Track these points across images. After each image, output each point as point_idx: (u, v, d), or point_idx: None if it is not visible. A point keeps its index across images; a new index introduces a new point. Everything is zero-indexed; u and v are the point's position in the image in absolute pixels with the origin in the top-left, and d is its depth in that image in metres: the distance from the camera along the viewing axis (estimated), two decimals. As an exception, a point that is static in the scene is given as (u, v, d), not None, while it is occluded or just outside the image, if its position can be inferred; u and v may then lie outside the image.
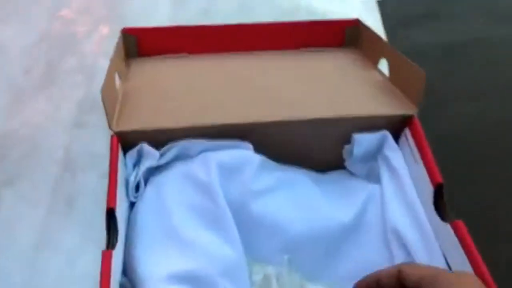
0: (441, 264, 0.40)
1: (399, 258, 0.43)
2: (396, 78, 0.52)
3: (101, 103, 0.42)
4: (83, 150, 0.57)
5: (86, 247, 0.50)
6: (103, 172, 0.55)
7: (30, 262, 0.48)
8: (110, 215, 0.39)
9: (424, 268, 0.33)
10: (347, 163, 0.50)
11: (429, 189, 0.43)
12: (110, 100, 0.46)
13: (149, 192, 0.44)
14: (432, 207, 0.42)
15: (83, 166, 0.56)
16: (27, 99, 0.63)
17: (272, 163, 0.47)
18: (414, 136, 0.46)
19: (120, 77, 0.53)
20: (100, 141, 0.58)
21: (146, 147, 0.44)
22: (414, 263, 0.35)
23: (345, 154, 0.50)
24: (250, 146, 0.46)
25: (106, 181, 0.41)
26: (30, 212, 0.51)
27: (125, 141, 0.45)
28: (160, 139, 0.45)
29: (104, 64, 0.70)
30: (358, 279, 0.43)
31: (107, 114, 0.43)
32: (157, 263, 0.40)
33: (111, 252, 0.36)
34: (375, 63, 0.57)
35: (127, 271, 0.41)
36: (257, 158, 0.46)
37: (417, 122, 0.47)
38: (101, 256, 0.36)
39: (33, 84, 0.66)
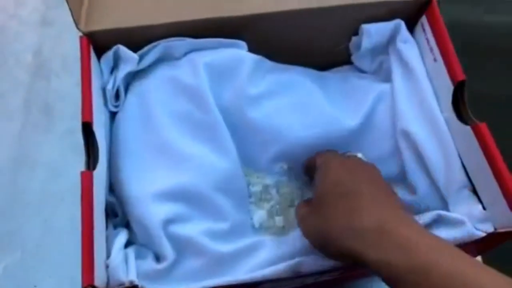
0: (458, 169, 0.37)
1: (409, 163, 0.39)
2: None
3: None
4: (54, 52, 0.51)
5: (70, 158, 0.46)
6: (79, 76, 0.50)
7: (10, 180, 0.44)
8: (87, 130, 0.34)
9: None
10: (354, 57, 0.45)
11: (448, 87, 0.38)
12: (75, -7, 0.38)
13: (130, 101, 0.39)
14: (450, 108, 0.37)
15: (56, 71, 0.50)
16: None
17: (269, 63, 0.41)
18: (432, 25, 0.40)
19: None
20: (72, 41, 0.51)
21: (123, 49, 0.38)
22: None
23: (352, 47, 0.44)
24: (244, 44, 0.40)
25: (81, 88, 0.35)
26: (4, 125, 0.47)
27: (98, 43, 0.39)
28: (138, 39, 0.39)
29: None
30: None
31: (71, 11, 0.37)
32: (144, 179, 0.36)
33: (92, 173, 0.32)
34: None
35: (114, 188, 0.37)
36: (252, 57, 0.40)
37: (436, 8, 0.40)
38: (80, 177, 0.32)
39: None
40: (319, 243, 0.30)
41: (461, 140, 0.37)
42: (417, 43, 0.42)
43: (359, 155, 0.37)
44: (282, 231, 0.39)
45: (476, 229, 0.34)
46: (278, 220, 0.40)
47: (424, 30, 0.41)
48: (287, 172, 0.41)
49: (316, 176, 0.33)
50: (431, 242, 0.27)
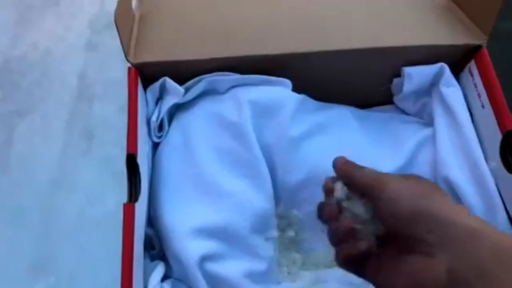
0: (502, 220, 0.36)
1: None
2: (461, -3, 0.44)
3: (114, 21, 0.35)
4: (98, 76, 0.52)
5: (108, 184, 0.46)
6: (122, 101, 0.50)
7: (47, 201, 0.45)
8: (131, 161, 0.34)
9: (370, 173, 0.30)
10: (396, 99, 0.44)
11: (495, 135, 0.37)
12: (126, 24, 0.39)
13: (174, 134, 0.39)
14: (498, 156, 0.36)
15: (99, 95, 0.51)
16: (34, 17, 0.57)
17: (311, 102, 0.41)
18: (481, 70, 0.39)
19: (136, -6, 0.45)
20: (116, 66, 0.53)
21: (169, 81, 0.39)
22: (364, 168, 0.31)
23: (394, 89, 0.44)
24: (289, 82, 0.40)
25: (125, 113, 0.36)
26: (45, 147, 0.47)
27: (145, 74, 0.39)
28: (183, 71, 0.39)
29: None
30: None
31: (122, 42, 0.37)
32: (183, 213, 0.36)
33: (134, 206, 0.33)
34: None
35: (152, 220, 0.37)
36: (296, 97, 0.40)
37: (486, 54, 0.39)
38: (123, 209, 0.32)
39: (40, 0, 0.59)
40: (410, 201, 0.27)
41: (508, 190, 0.36)
42: (464, 88, 0.41)
43: None
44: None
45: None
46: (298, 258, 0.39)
47: (472, 75, 0.40)
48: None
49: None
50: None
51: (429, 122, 0.42)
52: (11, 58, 0.54)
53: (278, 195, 0.39)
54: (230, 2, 0.44)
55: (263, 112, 0.38)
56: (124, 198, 0.33)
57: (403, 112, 0.45)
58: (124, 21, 0.38)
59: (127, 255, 0.31)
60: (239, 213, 0.36)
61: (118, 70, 0.52)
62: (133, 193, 0.34)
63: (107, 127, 0.48)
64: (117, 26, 0.36)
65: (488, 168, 0.37)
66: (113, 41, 0.54)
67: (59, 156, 0.47)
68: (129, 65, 0.38)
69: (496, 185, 0.37)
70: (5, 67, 0.53)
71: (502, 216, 0.36)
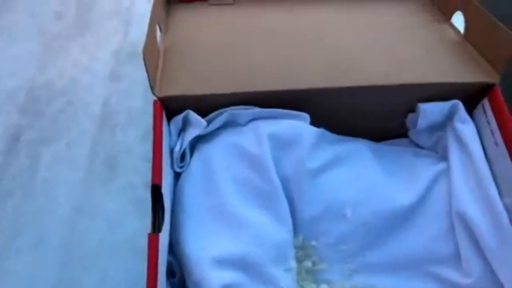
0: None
1: (464, 245, 0.38)
2: (473, 36, 0.45)
3: (137, 51, 0.37)
4: (121, 105, 0.54)
5: (128, 211, 0.47)
6: (144, 130, 0.52)
7: (70, 227, 0.46)
8: (156, 192, 0.36)
9: None
10: (410, 133, 0.46)
11: (509, 172, 0.38)
12: (152, 58, 0.41)
13: (195, 165, 0.40)
14: (511, 192, 0.37)
15: (122, 124, 0.52)
16: (60, 47, 0.59)
17: (329, 136, 0.43)
18: (494, 108, 0.41)
19: (160, 29, 0.47)
20: (138, 95, 0.55)
21: (192, 114, 0.40)
22: None
23: (408, 123, 0.45)
24: (307, 116, 0.42)
25: (147, 141, 0.37)
26: (68, 174, 0.49)
27: (167, 106, 0.41)
28: (206, 105, 0.41)
29: (141, 7, 0.65)
30: (413, 269, 0.40)
31: (149, 77, 0.39)
32: (204, 243, 0.37)
33: (158, 236, 0.34)
34: (448, 16, 0.50)
35: (173, 249, 0.38)
36: (314, 131, 0.41)
37: (498, 92, 0.41)
38: (148, 239, 0.33)
39: (66, 30, 0.61)
40: None
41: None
42: (477, 124, 0.42)
43: None
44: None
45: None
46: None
47: (485, 112, 0.41)
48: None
49: None
50: None
51: (444, 156, 0.43)
52: (37, 86, 0.56)
53: (296, 227, 0.40)
54: (250, 39, 0.46)
55: (282, 145, 0.40)
56: (145, 225, 0.34)
57: (417, 145, 0.46)
58: (150, 55, 0.40)
59: (151, 285, 0.32)
60: (259, 245, 0.37)
61: (140, 100, 0.54)
62: (157, 223, 0.35)
63: (129, 155, 0.50)
64: (145, 61, 0.38)
65: (502, 204, 0.38)
66: (135, 71, 0.57)
67: (82, 183, 0.48)
68: (154, 98, 0.40)
69: (510, 220, 0.37)
70: (31, 94, 0.55)
71: None
